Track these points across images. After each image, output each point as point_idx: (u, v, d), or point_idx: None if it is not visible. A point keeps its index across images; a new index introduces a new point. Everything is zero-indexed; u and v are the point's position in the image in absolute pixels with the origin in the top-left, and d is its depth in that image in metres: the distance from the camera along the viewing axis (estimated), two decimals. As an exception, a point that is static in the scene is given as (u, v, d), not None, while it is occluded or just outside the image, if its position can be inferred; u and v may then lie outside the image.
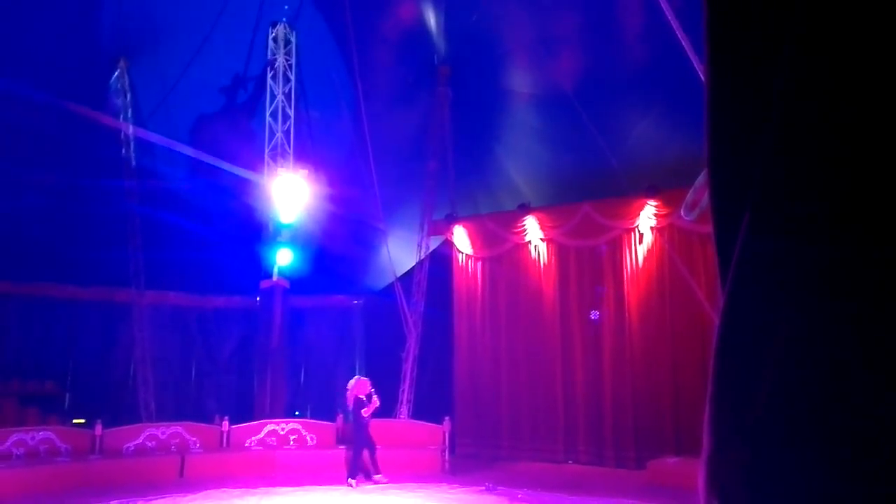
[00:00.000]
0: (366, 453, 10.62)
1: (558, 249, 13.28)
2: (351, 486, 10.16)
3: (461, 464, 12.01)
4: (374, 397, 10.72)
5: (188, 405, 14.66)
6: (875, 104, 0.75)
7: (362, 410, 10.55)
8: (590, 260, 12.97)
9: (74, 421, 12.98)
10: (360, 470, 10.50)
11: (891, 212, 0.73)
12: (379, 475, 10.52)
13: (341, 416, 12.66)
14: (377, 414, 11.05)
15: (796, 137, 0.82)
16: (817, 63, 0.80)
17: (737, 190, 0.90)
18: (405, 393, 13.63)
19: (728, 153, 0.94)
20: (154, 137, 12.72)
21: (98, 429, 10.91)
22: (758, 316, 0.85)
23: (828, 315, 0.77)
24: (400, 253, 14.13)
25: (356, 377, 11.09)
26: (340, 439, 12.18)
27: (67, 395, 14.27)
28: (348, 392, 10.91)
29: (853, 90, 0.77)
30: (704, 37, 0.95)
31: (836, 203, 0.78)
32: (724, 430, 0.88)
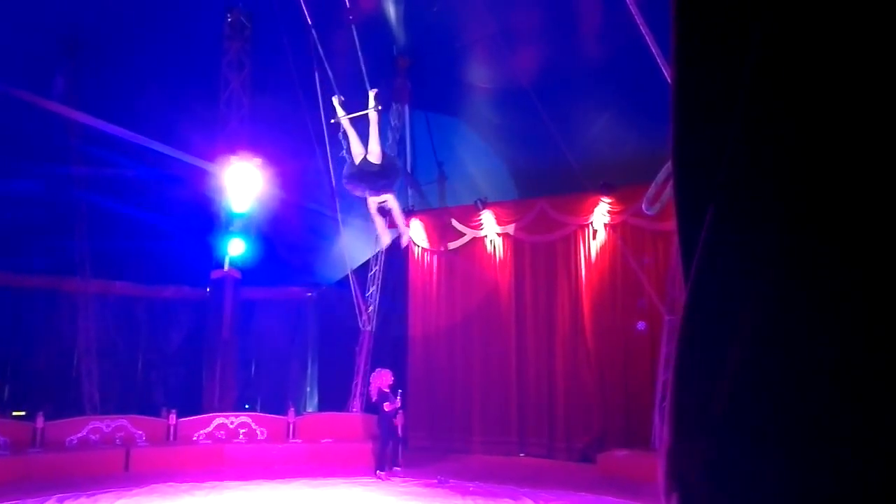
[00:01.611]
0: (390, 444, 10.58)
1: (514, 244, 13.37)
2: (380, 477, 10.16)
3: (414, 456, 12.00)
4: (398, 399, 10.60)
5: (134, 397, 14.31)
6: (840, 103, 0.76)
7: (384, 404, 10.47)
8: (545, 255, 13.09)
9: (14, 413, 12.57)
10: (388, 462, 10.46)
11: (850, 204, 0.73)
12: (398, 468, 10.48)
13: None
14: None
15: (761, 133, 0.81)
16: (783, 62, 0.79)
17: (701, 183, 0.90)
18: (358, 386, 13.56)
19: (693, 147, 0.94)
20: (102, 125, 12.31)
21: (39, 421, 10.56)
22: (722, 307, 0.84)
23: (791, 306, 0.77)
24: (355, 245, 14.03)
25: (377, 369, 10.92)
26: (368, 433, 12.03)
27: (7, 387, 13.79)
28: (370, 385, 10.85)
29: (818, 89, 0.77)
30: (672, 35, 0.95)
31: (799, 195, 0.77)
32: (686, 423, 0.87)
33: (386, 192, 8.87)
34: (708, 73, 0.92)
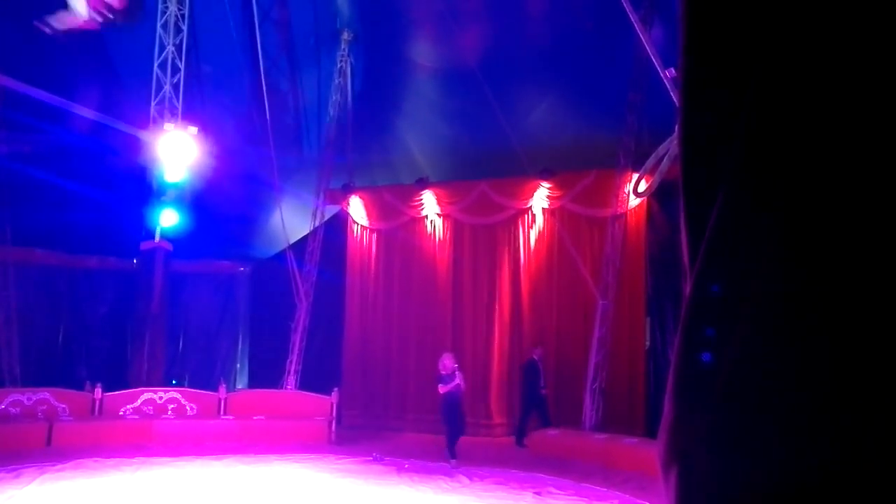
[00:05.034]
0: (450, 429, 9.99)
1: (454, 225, 13.40)
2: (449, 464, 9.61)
3: (348, 434, 11.98)
4: (456, 379, 9.89)
5: (56, 370, 13.73)
6: (849, 100, 0.78)
7: (439, 386, 9.98)
8: (484, 236, 13.19)
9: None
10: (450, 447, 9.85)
11: (864, 190, 0.77)
12: (453, 459, 9.72)
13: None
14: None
15: (775, 115, 0.84)
16: (796, 53, 0.82)
17: (710, 165, 0.92)
18: (293, 364, 13.41)
19: (702, 129, 0.96)
20: (25, 88, 11.59)
21: (-46, 394, 10.07)
22: (728, 288, 0.87)
23: (800, 289, 0.80)
24: (293, 220, 13.79)
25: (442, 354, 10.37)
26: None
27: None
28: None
29: (828, 80, 0.80)
30: (681, 23, 0.96)
31: (813, 179, 0.80)
32: (689, 399, 0.90)
33: None
34: (720, 57, 0.93)
